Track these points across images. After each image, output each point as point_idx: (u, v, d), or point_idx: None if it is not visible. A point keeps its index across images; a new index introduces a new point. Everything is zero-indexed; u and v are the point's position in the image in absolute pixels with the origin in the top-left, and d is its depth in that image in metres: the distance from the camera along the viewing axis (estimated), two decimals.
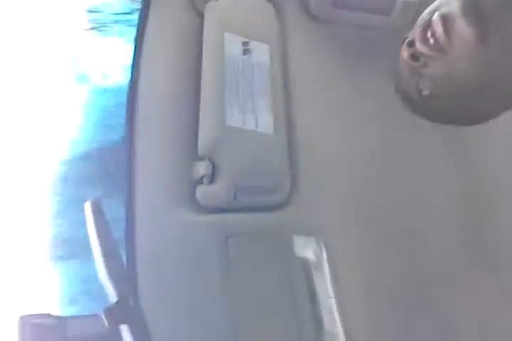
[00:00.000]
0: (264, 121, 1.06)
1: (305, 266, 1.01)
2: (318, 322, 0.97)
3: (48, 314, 0.83)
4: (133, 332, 0.81)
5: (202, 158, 1.01)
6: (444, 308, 1.08)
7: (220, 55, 1.06)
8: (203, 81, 1.04)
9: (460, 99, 0.80)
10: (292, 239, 1.01)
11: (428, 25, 0.78)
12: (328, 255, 1.01)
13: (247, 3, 1.16)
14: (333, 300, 0.99)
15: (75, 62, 1.29)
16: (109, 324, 0.80)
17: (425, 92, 0.81)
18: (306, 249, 1.02)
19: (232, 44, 1.08)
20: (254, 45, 1.10)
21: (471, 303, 1.10)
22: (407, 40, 0.80)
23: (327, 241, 1.02)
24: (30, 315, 0.82)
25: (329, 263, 1.01)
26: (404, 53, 0.80)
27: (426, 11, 0.80)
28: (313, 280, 0.99)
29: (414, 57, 0.79)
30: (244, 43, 1.10)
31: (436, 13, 0.76)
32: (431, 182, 1.18)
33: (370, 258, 1.07)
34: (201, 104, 1.03)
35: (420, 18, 0.81)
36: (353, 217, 1.09)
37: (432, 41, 0.77)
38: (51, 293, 1.12)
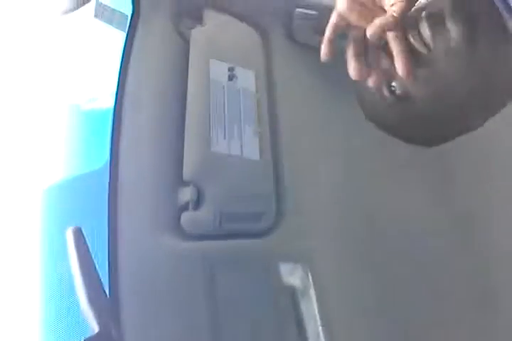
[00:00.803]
0: (249, 146, 1.06)
1: (292, 293, 0.99)
2: None
3: None
4: None
5: (187, 184, 1.00)
6: (444, 329, 1.07)
7: (205, 81, 1.06)
8: (188, 107, 1.04)
9: (436, 102, 0.75)
10: (279, 266, 1.00)
11: (414, 23, 0.74)
12: (314, 282, 1.00)
13: (232, 30, 1.17)
14: (320, 328, 0.97)
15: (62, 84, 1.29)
16: None
17: (398, 92, 0.75)
18: (293, 276, 1.01)
19: (218, 70, 1.08)
20: (239, 70, 1.11)
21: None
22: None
23: (314, 268, 1.01)
24: None
25: (316, 290, 0.99)
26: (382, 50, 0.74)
27: (413, 9, 0.78)
28: (301, 308, 0.98)
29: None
30: (230, 69, 1.10)
31: (426, 11, 0.74)
32: (419, 207, 1.18)
33: (358, 284, 1.06)
34: (186, 130, 1.02)
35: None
36: (339, 243, 1.08)
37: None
38: (32, 323, 1.09)
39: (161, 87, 1.06)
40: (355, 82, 0.78)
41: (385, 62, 0.75)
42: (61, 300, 1.04)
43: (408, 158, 1.12)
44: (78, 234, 0.83)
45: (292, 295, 0.99)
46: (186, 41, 1.10)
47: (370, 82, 0.75)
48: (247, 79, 1.12)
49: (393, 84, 0.76)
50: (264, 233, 1.03)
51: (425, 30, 0.74)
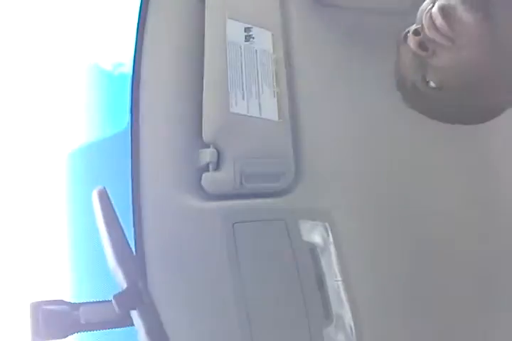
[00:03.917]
0: (268, 107, 1.06)
1: (312, 250, 1.02)
2: (325, 305, 0.99)
3: (61, 300, 0.85)
4: (143, 317, 0.82)
5: (207, 146, 1.01)
6: (449, 288, 1.09)
7: (222, 42, 1.06)
8: (205, 68, 1.04)
9: (469, 90, 0.77)
10: (298, 223, 1.02)
11: (429, 16, 0.75)
12: (334, 238, 1.02)
13: None
14: (339, 283, 1.00)
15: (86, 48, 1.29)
16: (119, 310, 0.81)
17: (432, 84, 0.78)
18: (313, 233, 1.03)
19: (235, 31, 1.08)
20: (256, 31, 1.10)
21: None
22: (413, 29, 0.78)
23: (333, 225, 1.03)
24: (42, 301, 0.83)
25: (335, 246, 1.01)
26: (412, 42, 0.77)
27: (425, 2, 0.77)
28: (320, 264, 1.00)
29: (423, 46, 0.76)
30: (247, 29, 1.09)
31: (436, 4, 0.75)
32: (437, 166, 1.18)
33: (376, 240, 1.08)
34: (204, 92, 1.03)
35: (421, 7, 0.78)
36: (358, 200, 1.09)
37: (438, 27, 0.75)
38: (63, 280, 1.14)
39: (178, 49, 1.06)
40: (397, 81, 0.82)
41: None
42: (90, 259, 1.08)
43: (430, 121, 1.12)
44: (104, 195, 0.86)
45: (312, 252, 1.01)
46: (202, 1, 1.09)
47: None
48: (264, 39, 1.11)
49: (427, 76, 0.78)
50: (284, 192, 1.04)
51: (441, 22, 0.74)
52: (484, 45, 0.73)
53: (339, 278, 1.00)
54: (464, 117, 0.83)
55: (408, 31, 0.79)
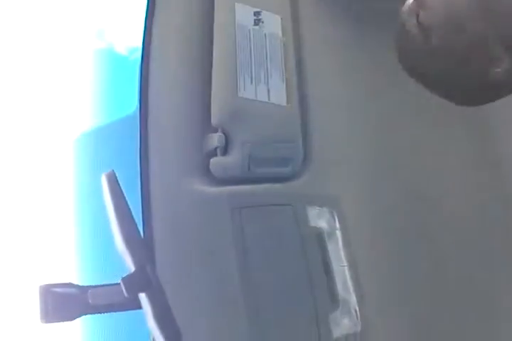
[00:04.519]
0: (276, 92, 1.06)
1: (318, 235, 1.02)
2: (331, 290, 0.99)
3: (70, 283, 0.85)
4: (151, 300, 0.83)
5: (215, 130, 1.01)
6: (457, 274, 1.10)
7: (231, 26, 1.05)
8: (214, 52, 1.03)
9: (460, 34, 0.78)
10: (306, 209, 1.02)
11: None
12: (341, 224, 1.02)
13: None
14: (346, 268, 1.00)
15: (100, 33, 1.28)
16: (127, 293, 0.82)
17: (426, 24, 0.80)
18: (320, 219, 1.03)
19: (244, 14, 1.07)
20: (265, 15, 1.09)
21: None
22: None
23: (340, 211, 1.03)
24: (51, 284, 0.84)
25: (342, 232, 1.02)
26: None
27: None
28: (327, 249, 1.01)
29: None
30: (256, 13, 1.09)
31: None
32: (445, 160, 1.18)
33: (384, 227, 1.08)
34: (213, 76, 1.02)
35: None
36: (366, 186, 1.09)
37: None
38: (72, 263, 1.15)
39: (186, 32, 1.05)
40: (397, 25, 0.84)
41: None
42: (98, 242, 1.09)
43: (439, 106, 1.11)
44: (112, 178, 0.86)
45: (319, 237, 1.02)
46: None
47: None
48: (274, 23, 1.10)
49: (421, 16, 0.81)
50: (292, 177, 1.04)
51: None
52: None
53: (345, 264, 1.01)
54: (452, 82, 0.83)
55: None
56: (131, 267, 0.84)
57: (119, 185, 0.87)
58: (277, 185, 1.03)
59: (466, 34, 0.79)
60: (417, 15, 0.82)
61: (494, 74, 0.80)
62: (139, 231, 0.87)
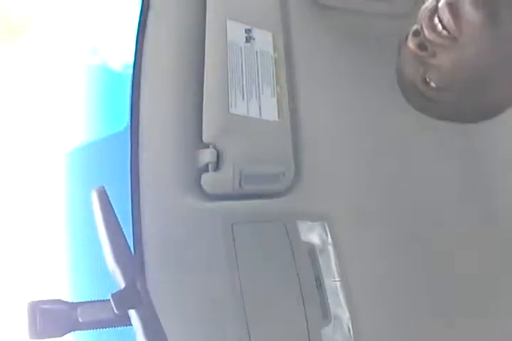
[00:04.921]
0: (268, 108, 1.07)
1: (310, 250, 1.02)
2: (323, 306, 0.99)
3: (59, 300, 0.84)
4: (141, 317, 0.82)
5: (207, 146, 1.01)
6: (449, 289, 1.09)
7: (222, 43, 1.06)
8: (206, 69, 1.04)
9: (470, 90, 0.77)
10: (297, 224, 1.02)
11: (434, 12, 0.75)
12: (333, 239, 1.02)
13: None
14: (338, 284, 1.00)
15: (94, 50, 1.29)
16: (117, 309, 0.81)
17: (433, 84, 0.78)
18: (311, 234, 1.03)
19: (235, 31, 1.08)
20: (257, 32, 1.11)
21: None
22: (413, 30, 0.78)
23: (332, 226, 1.03)
24: (40, 300, 0.83)
25: (334, 247, 1.02)
26: (411, 43, 0.77)
27: (427, 2, 0.77)
28: (319, 265, 1.01)
29: (422, 46, 0.76)
30: (247, 31, 1.10)
31: (443, 0, 0.74)
32: (435, 169, 1.18)
33: (375, 241, 1.08)
34: (205, 92, 1.03)
35: (424, 5, 0.78)
36: (357, 201, 1.09)
37: (440, 28, 0.74)
38: (61, 279, 1.14)
39: (178, 50, 1.06)
40: (398, 80, 0.83)
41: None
42: (88, 258, 1.08)
43: (430, 121, 1.12)
44: (103, 194, 0.86)
45: (311, 252, 1.01)
46: (204, 2, 1.10)
47: None
48: (265, 40, 1.11)
49: (427, 76, 0.78)
50: (283, 193, 1.04)
51: (447, 19, 0.73)
52: (489, 43, 0.73)
53: (337, 279, 1.00)
54: (464, 116, 0.83)
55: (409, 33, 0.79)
56: (121, 283, 0.83)
57: (109, 201, 0.86)
58: (269, 201, 1.03)
59: (479, 91, 0.77)
60: (423, 74, 0.78)
61: (503, 106, 0.81)
62: (129, 248, 0.87)
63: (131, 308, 0.82)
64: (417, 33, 0.77)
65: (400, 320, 1.06)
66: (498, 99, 0.79)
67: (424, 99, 0.81)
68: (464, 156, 1.22)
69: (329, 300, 0.98)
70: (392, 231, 1.10)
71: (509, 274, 1.15)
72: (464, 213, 1.18)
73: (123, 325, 0.84)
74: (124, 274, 0.83)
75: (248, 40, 1.09)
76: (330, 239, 1.02)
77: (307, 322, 0.96)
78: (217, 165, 1.01)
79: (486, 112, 0.82)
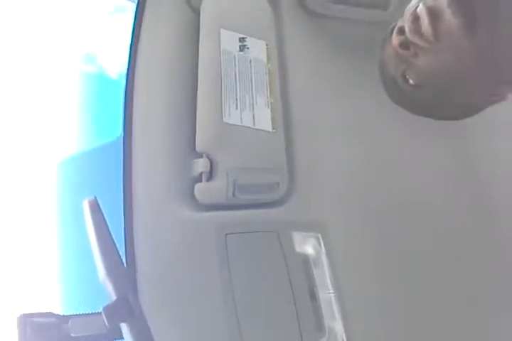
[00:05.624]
0: (261, 117, 1.06)
1: (304, 261, 1.01)
2: (317, 318, 0.98)
3: (49, 312, 0.83)
4: (133, 330, 0.81)
5: (200, 155, 1.01)
6: (443, 300, 1.09)
7: (216, 52, 1.05)
8: (199, 78, 1.04)
9: (445, 90, 0.79)
10: (291, 235, 1.01)
11: (417, 15, 0.76)
12: (327, 250, 1.01)
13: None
14: (332, 295, 0.99)
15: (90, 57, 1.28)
16: (108, 322, 0.80)
17: (411, 82, 0.80)
18: (305, 244, 1.02)
19: (229, 40, 1.08)
20: (250, 41, 1.10)
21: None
22: (397, 27, 0.79)
23: (326, 237, 1.03)
24: (30, 313, 0.82)
25: (328, 258, 1.01)
26: (395, 41, 0.78)
27: (413, 1, 0.78)
28: (313, 276, 1.00)
29: (405, 45, 0.77)
30: (241, 39, 1.09)
31: (421, 4, 0.75)
32: (428, 179, 1.18)
33: (370, 252, 1.07)
34: (198, 102, 1.02)
35: (409, 6, 0.78)
36: (350, 212, 1.09)
37: (422, 30, 0.75)
38: (52, 292, 1.13)
39: (172, 59, 1.06)
40: (380, 73, 0.85)
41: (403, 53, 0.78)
42: (79, 270, 1.07)
43: (421, 126, 1.12)
44: (95, 205, 0.85)
45: (305, 263, 1.00)
46: (197, 12, 1.09)
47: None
48: (258, 49, 1.11)
49: (407, 74, 0.80)
50: (277, 203, 1.04)
51: (427, 23, 0.74)
52: (464, 50, 0.74)
53: (331, 291, 0.99)
54: (438, 113, 0.85)
55: (394, 26, 0.80)
56: (112, 296, 0.82)
57: (101, 211, 0.85)
58: (262, 211, 1.03)
59: (454, 92, 0.78)
60: (404, 71, 0.80)
61: (480, 106, 0.82)
62: (121, 260, 0.86)
63: (123, 321, 0.81)
64: (401, 32, 0.78)
65: (395, 331, 1.05)
66: (472, 100, 0.81)
67: (402, 93, 0.83)
68: (456, 157, 1.22)
69: (323, 313, 0.97)
70: (387, 241, 1.09)
71: (502, 275, 1.14)
72: (460, 220, 1.17)
73: (115, 339, 0.83)
74: (116, 286, 0.82)
75: (242, 48, 1.09)
76: (324, 250, 1.01)
77: (301, 334, 0.95)
78: (211, 174, 1.00)
79: (462, 111, 0.84)
